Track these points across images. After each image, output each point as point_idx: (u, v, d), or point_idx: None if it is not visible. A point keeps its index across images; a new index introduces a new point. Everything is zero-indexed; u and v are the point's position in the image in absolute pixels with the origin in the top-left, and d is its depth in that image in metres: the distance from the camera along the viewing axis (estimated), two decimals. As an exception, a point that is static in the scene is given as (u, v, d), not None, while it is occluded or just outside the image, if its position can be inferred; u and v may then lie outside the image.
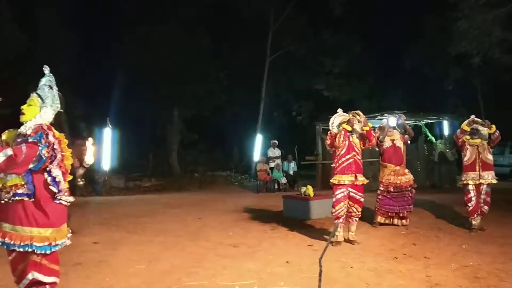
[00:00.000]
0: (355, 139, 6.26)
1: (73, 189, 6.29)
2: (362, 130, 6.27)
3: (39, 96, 3.15)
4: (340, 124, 6.35)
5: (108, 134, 13.45)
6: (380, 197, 7.45)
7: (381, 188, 7.44)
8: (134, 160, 19.85)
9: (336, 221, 6.15)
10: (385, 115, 14.36)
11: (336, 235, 6.15)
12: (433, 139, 16.93)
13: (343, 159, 6.19)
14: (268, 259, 5.42)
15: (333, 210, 6.19)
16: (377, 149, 7.80)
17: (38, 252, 3.04)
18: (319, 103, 21.47)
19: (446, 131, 16.19)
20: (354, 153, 6.20)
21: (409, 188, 7.40)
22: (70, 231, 3.34)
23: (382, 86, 21.82)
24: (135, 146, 19.99)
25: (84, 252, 5.74)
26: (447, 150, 15.37)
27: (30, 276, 3.08)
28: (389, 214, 7.42)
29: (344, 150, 6.19)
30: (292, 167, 15.72)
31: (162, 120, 20.40)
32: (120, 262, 5.36)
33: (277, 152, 15.56)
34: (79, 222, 7.44)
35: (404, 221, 7.40)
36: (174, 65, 17.59)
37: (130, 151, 19.22)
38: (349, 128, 6.20)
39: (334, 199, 6.20)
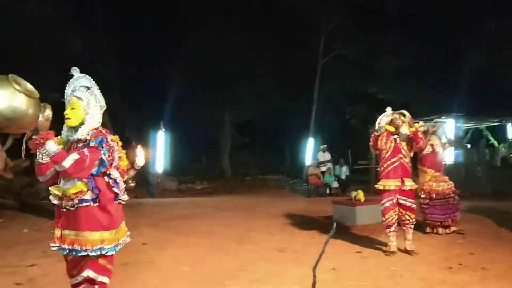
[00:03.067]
0: (402, 142, 5.95)
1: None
2: (409, 132, 5.95)
3: (79, 98, 3.13)
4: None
5: (161, 137, 13.79)
6: (424, 206, 7.08)
7: (423, 196, 7.07)
8: (187, 163, 20.24)
9: (387, 229, 5.90)
10: (442, 117, 13.84)
11: (389, 244, 5.88)
12: (495, 143, 16.07)
13: (388, 162, 5.87)
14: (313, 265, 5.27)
15: (383, 219, 5.92)
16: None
17: (108, 254, 3.08)
18: (372, 106, 20.86)
19: (510, 134, 15.31)
20: (400, 155, 5.86)
21: (452, 195, 7.01)
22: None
23: (441, 88, 20.91)
24: (188, 149, 20.38)
25: (132, 252, 5.83)
26: (511, 155, 14.52)
27: (85, 274, 3.11)
28: (434, 223, 7.04)
29: (389, 153, 5.88)
30: (344, 171, 15.44)
31: (214, 123, 20.68)
32: (165, 263, 5.42)
33: (327, 156, 15.31)
34: (130, 223, 7.54)
35: (447, 230, 7.00)
36: (225, 68, 17.78)
37: (183, 154, 19.62)
38: (392, 129, 5.90)
39: (382, 207, 5.92)
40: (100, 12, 16.39)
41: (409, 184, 5.88)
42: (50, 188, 3.08)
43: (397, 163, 5.86)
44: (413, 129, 5.95)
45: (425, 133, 7.14)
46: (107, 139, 3.03)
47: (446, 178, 7.20)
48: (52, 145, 2.86)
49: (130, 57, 17.83)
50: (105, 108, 3.22)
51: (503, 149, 15.26)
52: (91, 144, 2.97)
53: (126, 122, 16.43)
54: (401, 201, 5.86)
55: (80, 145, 3.03)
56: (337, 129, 22.74)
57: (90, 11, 16.06)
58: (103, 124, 3.31)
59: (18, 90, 2.71)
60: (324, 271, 4.99)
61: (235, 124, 20.90)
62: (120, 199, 3.14)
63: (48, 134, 2.89)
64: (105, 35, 16.46)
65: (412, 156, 7.32)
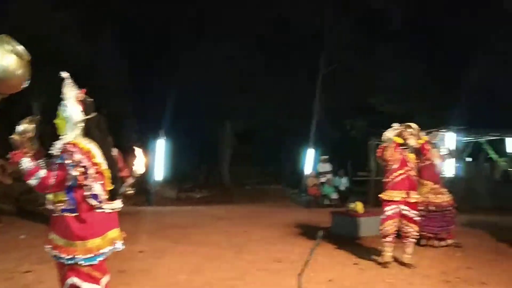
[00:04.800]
0: (409, 154, 5.95)
1: (122, 198, 6.49)
2: (417, 144, 5.95)
3: (64, 107, 3.13)
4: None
5: (161, 145, 13.78)
6: (421, 217, 7.04)
7: (421, 207, 7.03)
8: (187, 172, 20.20)
9: (383, 239, 5.89)
10: (442, 130, 13.84)
11: (383, 254, 5.89)
12: (495, 157, 16.06)
13: (395, 174, 5.85)
14: (311, 276, 5.24)
15: (381, 228, 5.91)
16: None
17: (84, 264, 3.08)
18: (373, 118, 20.92)
19: (510, 149, 15.30)
20: (407, 168, 5.86)
21: (449, 208, 7.00)
22: (125, 235, 3.35)
23: (443, 101, 20.91)
24: (188, 158, 20.34)
25: (128, 260, 5.82)
26: (511, 169, 14.51)
27: (69, 281, 3.12)
28: (429, 235, 7.01)
29: (396, 165, 5.87)
30: (343, 182, 15.41)
31: (214, 132, 20.69)
32: (162, 272, 5.40)
33: (327, 167, 15.31)
34: (127, 231, 7.51)
35: (443, 242, 6.98)
36: (228, 79, 17.85)
37: (183, 162, 19.58)
38: (400, 141, 5.90)
39: (383, 216, 5.90)
40: (107, 19, 16.48)
41: (414, 196, 5.87)
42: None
43: (404, 175, 5.85)
44: (422, 141, 5.96)
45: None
46: (71, 154, 3.00)
47: (445, 190, 7.19)
48: (25, 162, 2.95)
49: (133, 64, 17.91)
50: (82, 124, 3.14)
51: (503, 163, 15.24)
52: (58, 161, 3.00)
53: (128, 129, 16.44)
54: (405, 212, 5.83)
55: (53, 159, 3.06)
56: (337, 140, 22.69)
57: (97, 17, 16.16)
58: (100, 130, 3.28)
59: (9, 50, 2.75)
60: (321, 283, 4.98)
61: (235, 133, 20.90)
62: (103, 209, 3.14)
63: (16, 154, 2.98)
64: (111, 42, 16.54)
65: None
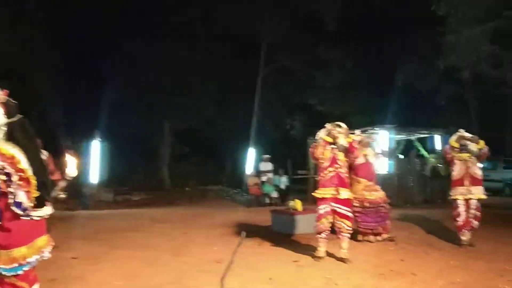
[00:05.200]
0: (339, 152, 6.14)
1: (53, 202, 6.17)
2: (346, 142, 6.14)
3: None
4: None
5: (97, 147, 13.31)
6: (357, 214, 7.31)
7: (356, 204, 7.29)
8: (125, 174, 19.66)
9: (317, 236, 6.07)
10: (376, 129, 14.40)
11: (318, 250, 6.06)
12: (425, 153, 16.89)
13: (326, 172, 6.07)
14: (251, 275, 5.25)
15: (315, 225, 6.11)
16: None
17: (9, 275, 2.89)
18: (312, 117, 21.43)
19: (438, 146, 16.16)
20: (337, 165, 6.07)
21: (382, 204, 7.31)
22: (52, 242, 3.17)
23: (375, 101, 21.81)
24: (126, 160, 19.82)
25: (61, 267, 5.55)
26: (439, 165, 15.32)
27: None
28: (365, 231, 7.29)
29: (327, 163, 6.08)
30: (283, 181, 15.62)
31: (153, 133, 20.28)
32: (97, 278, 5.18)
33: (268, 166, 15.46)
34: (60, 236, 7.23)
35: (379, 237, 7.28)
36: (165, 77, 17.54)
37: (121, 164, 19.05)
38: (329, 139, 6.09)
39: (317, 214, 6.12)
40: (36, 14, 15.66)
41: (344, 193, 6.04)
42: None
43: (333, 173, 6.04)
44: (350, 140, 6.14)
45: (360, 143, 7.40)
46: None
47: (378, 187, 7.47)
48: None
49: (65, 64, 17.15)
50: (4, 128, 2.93)
51: (432, 159, 16.06)
52: None
53: (58, 130, 15.73)
54: (336, 209, 6.01)
55: None
56: (277, 139, 23.01)
57: (27, 13, 15.32)
58: (26, 132, 3.08)
59: None
60: (261, 281, 4.99)
61: (175, 133, 20.60)
62: (30, 216, 2.97)
63: None
64: (40, 38, 15.74)
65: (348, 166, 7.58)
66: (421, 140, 17.60)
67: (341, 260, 5.96)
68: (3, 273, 2.87)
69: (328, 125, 6.28)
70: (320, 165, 6.17)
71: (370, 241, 7.24)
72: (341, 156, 6.13)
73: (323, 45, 20.48)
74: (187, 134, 20.93)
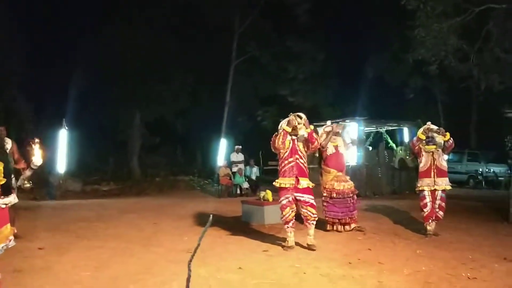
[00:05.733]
0: (299, 143, 6.20)
1: (18, 191, 6.00)
2: (305, 132, 6.20)
3: None
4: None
5: (64, 136, 13.00)
6: (325, 204, 7.42)
7: (325, 194, 7.41)
8: (93, 164, 19.31)
9: (285, 226, 6.16)
10: (346, 121, 14.57)
11: (287, 240, 6.14)
12: (393, 145, 17.24)
13: (286, 162, 6.16)
14: (220, 264, 5.26)
15: (281, 215, 6.20)
16: (316, 155, 7.77)
17: None
18: (283, 108, 21.42)
19: (406, 138, 16.50)
20: (297, 156, 6.15)
21: (351, 195, 7.43)
22: (15, 231, 3.09)
23: (346, 93, 22.09)
24: (95, 149, 19.47)
25: (26, 258, 5.44)
26: (407, 157, 15.66)
27: None
28: (333, 220, 7.41)
29: (287, 153, 6.17)
30: (254, 172, 15.64)
31: (123, 122, 19.94)
32: (64, 269, 5.09)
33: (240, 157, 15.43)
34: (25, 227, 7.10)
35: (347, 227, 7.41)
36: (136, 66, 17.25)
37: (90, 154, 18.71)
38: (288, 129, 6.14)
39: (280, 205, 6.21)
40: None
41: (304, 182, 6.13)
42: None
43: (293, 163, 6.14)
44: (309, 130, 6.20)
45: (329, 133, 7.48)
46: None
47: (347, 178, 7.58)
48: None
49: (31, 49, 16.62)
50: None
51: (400, 151, 16.40)
52: None
53: (23, 119, 15.26)
54: (298, 197, 6.12)
55: None
56: (249, 130, 23.01)
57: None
58: None
59: None
60: (230, 271, 5.01)
61: (145, 123, 20.32)
62: None
63: None
64: (6, 23, 15.20)
65: (318, 156, 7.67)
66: (390, 132, 17.94)
67: (308, 246, 6.08)
68: None
69: (290, 116, 6.29)
70: (281, 155, 6.23)
71: (338, 231, 7.35)
72: (301, 146, 6.20)
73: (294, 37, 20.54)
74: (158, 124, 20.68)
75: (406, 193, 13.89)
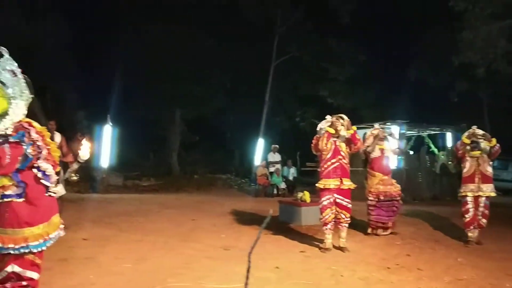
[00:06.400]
0: (341, 143, 6.17)
1: (65, 184, 6.24)
2: (348, 134, 6.17)
3: (2, 83, 2.81)
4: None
5: (108, 131, 13.40)
6: (371, 207, 7.32)
7: (371, 198, 7.31)
8: (135, 159, 19.79)
9: (324, 227, 6.15)
10: (387, 124, 14.33)
11: (325, 242, 6.14)
12: (435, 150, 16.82)
13: (329, 163, 6.15)
14: (258, 263, 5.28)
15: (321, 216, 6.19)
16: (362, 157, 7.69)
17: (35, 251, 2.94)
18: (323, 109, 21.19)
19: (449, 143, 16.06)
20: (340, 157, 6.14)
21: (397, 198, 7.32)
22: (62, 222, 3.22)
23: (387, 96, 21.70)
24: (136, 145, 19.94)
25: (72, 247, 5.66)
26: (450, 162, 15.24)
27: (9, 269, 2.95)
28: (376, 224, 7.32)
29: (330, 154, 6.15)
30: (292, 172, 15.63)
31: (164, 120, 20.37)
32: (106, 260, 5.27)
33: (277, 157, 15.45)
34: (71, 218, 7.37)
35: (386, 232, 7.30)
36: (177, 65, 17.56)
37: (131, 149, 19.17)
38: (332, 131, 6.12)
39: (321, 206, 6.19)
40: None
41: (347, 183, 6.14)
42: None
43: (337, 163, 6.13)
44: (351, 131, 6.17)
45: (376, 137, 7.41)
46: (29, 132, 2.86)
47: (394, 181, 7.47)
48: None
49: (79, 48, 17.23)
50: (30, 101, 2.94)
51: (442, 156, 15.98)
52: (12, 140, 2.78)
53: (73, 113, 15.86)
54: (338, 200, 6.12)
55: (0, 140, 2.81)
56: (287, 130, 22.99)
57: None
58: (34, 114, 3.10)
59: None
60: (268, 270, 5.04)
61: (185, 121, 20.67)
62: (50, 192, 3.01)
63: None
64: (56, 23, 15.83)
65: (364, 159, 7.61)
66: (432, 137, 17.51)
67: (341, 249, 6.07)
68: (33, 250, 2.90)
69: (329, 117, 6.32)
70: (323, 157, 6.20)
71: (377, 235, 7.26)
72: (343, 146, 6.17)
73: (335, 37, 20.35)
74: (197, 122, 20.99)
75: (447, 199, 13.51)
